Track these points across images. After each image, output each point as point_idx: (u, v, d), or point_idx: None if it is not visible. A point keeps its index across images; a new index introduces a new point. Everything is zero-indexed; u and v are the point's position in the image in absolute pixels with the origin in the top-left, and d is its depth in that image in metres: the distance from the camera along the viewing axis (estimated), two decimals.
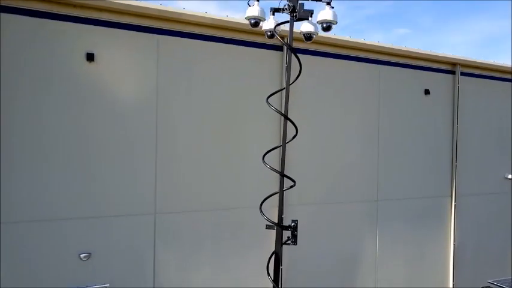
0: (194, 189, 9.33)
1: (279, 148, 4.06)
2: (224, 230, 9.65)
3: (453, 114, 13.05)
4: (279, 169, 3.85)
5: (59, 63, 8.04)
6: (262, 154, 9.78)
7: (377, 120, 11.72)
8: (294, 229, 3.95)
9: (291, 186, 4.14)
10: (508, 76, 14.19)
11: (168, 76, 9.01)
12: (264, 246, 9.57)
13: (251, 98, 9.82)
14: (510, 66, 13.89)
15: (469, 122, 13.38)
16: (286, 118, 3.94)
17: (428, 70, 12.60)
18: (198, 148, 9.35)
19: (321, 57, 10.83)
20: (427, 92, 12.52)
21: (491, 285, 7.98)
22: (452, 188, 13.08)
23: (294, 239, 3.98)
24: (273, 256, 3.99)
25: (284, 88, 4.17)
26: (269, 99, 3.77)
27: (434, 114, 12.74)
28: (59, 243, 8.08)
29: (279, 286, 3.93)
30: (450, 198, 13.10)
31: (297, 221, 3.97)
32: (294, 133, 4.71)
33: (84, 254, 8.24)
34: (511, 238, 14.14)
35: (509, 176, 14.30)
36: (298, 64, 4.52)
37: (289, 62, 3.92)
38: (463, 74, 13.15)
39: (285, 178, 3.77)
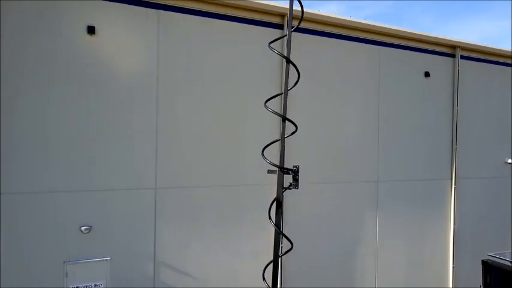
0: (194, 165, 9.33)
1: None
2: (225, 206, 9.66)
3: (453, 97, 13.06)
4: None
5: (60, 36, 8.04)
6: (263, 131, 9.84)
7: (377, 102, 11.72)
8: (295, 173, 3.95)
9: (293, 133, 4.12)
10: (508, 61, 14.19)
11: (168, 50, 9.00)
12: (265, 221, 9.59)
13: (251, 76, 9.83)
14: (510, 50, 13.90)
15: (469, 106, 13.38)
16: (288, 61, 3.93)
17: (428, 53, 12.60)
18: (198, 124, 9.36)
19: (323, 37, 10.83)
20: (427, 74, 12.52)
21: (491, 258, 7.99)
22: (452, 171, 13.09)
23: (295, 183, 3.98)
24: (275, 203, 3.98)
25: (286, 35, 4.13)
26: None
27: (434, 97, 12.75)
28: (59, 215, 8.08)
29: (281, 230, 3.91)
30: (450, 181, 13.11)
31: (298, 166, 3.97)
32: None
33: (85, 227, 8.24)
34: (510, 222, 14.14)
35: (509, 161, 14.31)
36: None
37: (291, 5, 3.91)
38: (463, 57, 13.16)
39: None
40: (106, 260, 8.45)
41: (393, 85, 11.99)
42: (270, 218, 4.00)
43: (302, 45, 10.01)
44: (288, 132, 4.10)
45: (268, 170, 4.13)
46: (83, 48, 8.21)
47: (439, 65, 12.81)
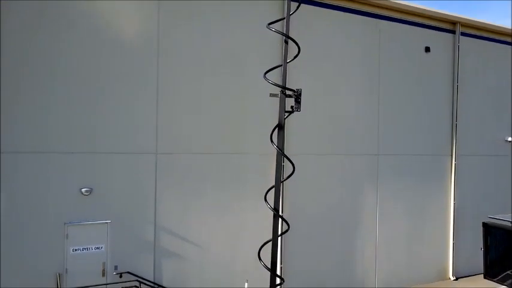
0: (195, 133, 9.31)
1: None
2: (226, 174, 9.64)
3: (453, 73, 13.06)
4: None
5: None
6: (263, 98, 9.81)
7: (377, 75, 11.71)
8: (297, 96, 3.94)
9: (295, 56, 4.10)
10: (508, 39, 14.17)
11: (169, 11, 8.97)
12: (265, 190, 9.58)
13: (252, 39, 9.81)
14: (510, 28, 13.88)
15: (469, 83, 13.37)
16: None
17: (428, 28, 12.58)
18: (199, 91, 9.34)
19: (323, 9, 10.81)
20: (427, 49, 12.52)
21: (492, 220, 8.00)
22: (452, 147, 13.08)
23: (297, 105, 3.97)
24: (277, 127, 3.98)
25: None
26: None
27: (434, 72, 12.73)
28: (59, 176, 8.06)
29: (283, 151, 3.91)
30: (450, 157, 13.10)
31: (300, 89, 3.96)
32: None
33: (85, 189, 8.23)
34: (510, 200, 14.11)
35: (509, 139, 14.30)
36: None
37: None
38: (463, 34, 13.14)
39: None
40: (106, 223, 8.44)
41: (393, 59, 11.98)
42: (271, 141, 4.00)
43: (301, 16, 9.99)
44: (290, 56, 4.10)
45: (270, 94, 4.13)
46: (83, 7, 8.20)
47: (440, 41, 12.80)
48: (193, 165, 9.31)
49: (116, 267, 8.49)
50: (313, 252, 10.70)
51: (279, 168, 3.99)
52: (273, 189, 4.04)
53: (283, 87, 3.89)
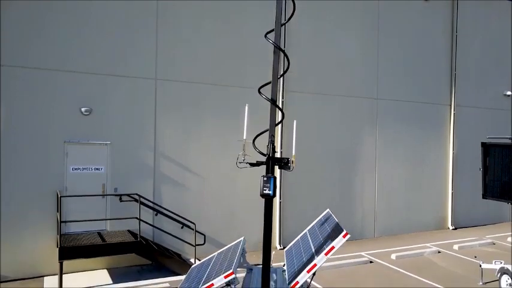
0: (196, 60, 9.32)
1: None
2: (224, 106, 9.65)
3: (452, 23, 13.07)
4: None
5: None
6: (263, 33, 9.81)
7: (377, 19, 11.73)
8: None
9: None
10: None
11: None
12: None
13: None
14: None
15: (469, 36, 13.37)
16: None
17: None
18: (199, 22, 9.35)
19: None
20: None
21: (491, 139, 7.96)
22: (451, 97, 13.10)
23: None
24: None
25: None
26: None
27: (433, 21, 12.73)
28: (59, 93, 8.05)
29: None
30: (449, 107, 13.12)
31: None
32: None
33: (85, 108, 8.22)
34: None
35: (508, 93, 14.33)
36: None
37: None
38: None
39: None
40: (106, 144, 8.44)
41: (393, 5, 11.98)
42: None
43: None
44: None
45: None
46: None
47: None
48: (192, 95, 9.31)
49: (115, 189, 8.50)
50: (311, 196, 10.71)
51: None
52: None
53: None
